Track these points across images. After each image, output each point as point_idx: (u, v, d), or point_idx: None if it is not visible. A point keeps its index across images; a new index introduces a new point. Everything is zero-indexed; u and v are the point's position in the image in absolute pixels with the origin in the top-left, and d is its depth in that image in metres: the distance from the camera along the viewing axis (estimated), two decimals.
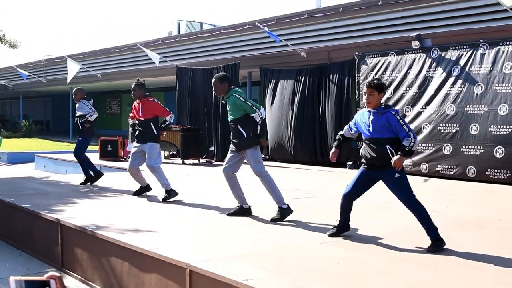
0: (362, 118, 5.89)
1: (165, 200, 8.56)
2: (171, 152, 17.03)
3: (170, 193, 8.62)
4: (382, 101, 5.78)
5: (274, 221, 6.88)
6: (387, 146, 5.61)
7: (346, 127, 6.22)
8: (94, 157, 16.49)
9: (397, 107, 12.57)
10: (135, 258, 5.41)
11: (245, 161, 7.36)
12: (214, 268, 4.61)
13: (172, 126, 16.66)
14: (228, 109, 7.33)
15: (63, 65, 27.03)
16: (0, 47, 16.67)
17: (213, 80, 7.44)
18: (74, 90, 10.84)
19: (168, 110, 9.14)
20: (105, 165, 14.78)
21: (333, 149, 6.22)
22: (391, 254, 5.29)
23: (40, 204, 7.88)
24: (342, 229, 6.06)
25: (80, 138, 10.57)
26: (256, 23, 16.87)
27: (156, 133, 8.87)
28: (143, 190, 9.19)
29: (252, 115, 7.14)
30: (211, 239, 5.99)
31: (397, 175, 5.60)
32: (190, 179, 11.87)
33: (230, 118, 7.34)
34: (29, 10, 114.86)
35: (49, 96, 40.99)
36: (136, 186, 9.29)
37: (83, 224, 6.43)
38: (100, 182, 10.48)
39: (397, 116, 5.65)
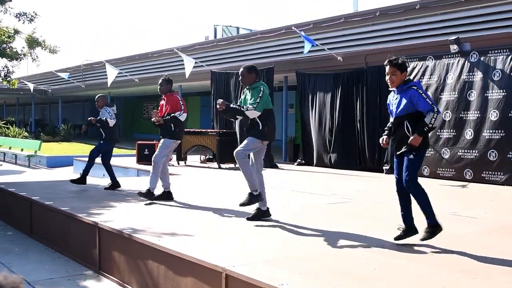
0: (391, 99, 5.87)
1: (140, 194, 8.75)
2: (207, 157, 17.10)
3: (148, 195, 8.74)
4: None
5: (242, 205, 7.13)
6: (405, 122, 5.54)
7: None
8: (131, 161, 16.72)
9: None
10: (171, 262, 5.43)
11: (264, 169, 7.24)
12: (250, 272, 4.60)
13: (209, 130, 16.82)
14: (248, 98, 7.30)
15: (101, 70, 27.41)
16: (40, 52, 16.90)
17: (241, 70, 7.46)
18: (96, 97, 10.62)
19: (182, 107, 9.01)
20: (142, 169, 14.93)
21: (384, 136, 5.95)
22: (429, 260, 5.21)
23: (78, 207, 7.98)
24: (410, 230, 5.74)
25: (101, 142, 10.44)
26: (293, 28, 16.87)
27: (173, 129, 8.96)
28: (162, 196, 8.97)
29: (249, 108, 7.10)
30: (247, 243, 5.98)
31: (411, 156, 5.50)
32: (225, 183, 11.90)
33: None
34: (65, 16, 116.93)
35: (87, 101, 41.55)
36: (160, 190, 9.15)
37: (120, 228, 6.48)
38: (137, 186, 10.53)
39: (419, 90, 5.55)
